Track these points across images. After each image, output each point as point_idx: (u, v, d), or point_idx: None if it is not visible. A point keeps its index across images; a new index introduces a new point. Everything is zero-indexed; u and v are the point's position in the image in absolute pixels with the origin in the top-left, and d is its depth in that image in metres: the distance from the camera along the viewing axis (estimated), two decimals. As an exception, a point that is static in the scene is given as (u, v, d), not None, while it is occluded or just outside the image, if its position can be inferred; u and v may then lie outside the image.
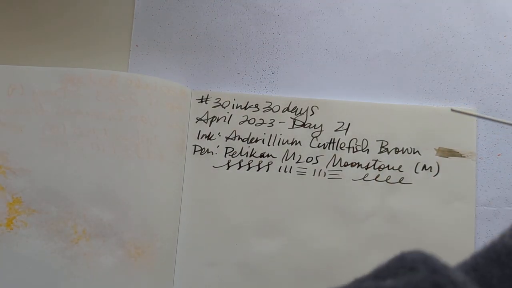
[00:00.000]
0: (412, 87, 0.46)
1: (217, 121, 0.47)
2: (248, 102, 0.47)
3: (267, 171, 0.46)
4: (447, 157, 0.45)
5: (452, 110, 0.37)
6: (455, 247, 0.44)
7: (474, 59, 0.46)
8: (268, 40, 0.47)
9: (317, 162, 0.46)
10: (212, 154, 0.46)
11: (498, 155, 0.45)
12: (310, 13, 0.48)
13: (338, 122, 0.46)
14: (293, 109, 0.46)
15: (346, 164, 0.45)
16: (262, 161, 0.46)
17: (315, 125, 0.46)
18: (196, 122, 0.47)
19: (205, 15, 0.48)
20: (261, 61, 0.47)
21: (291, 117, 0.46)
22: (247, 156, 0.46)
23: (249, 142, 0.46)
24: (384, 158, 0.45)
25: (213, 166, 0.46)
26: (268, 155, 0.46)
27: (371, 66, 0.47)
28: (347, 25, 0.47)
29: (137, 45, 0.47)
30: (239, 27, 0.48)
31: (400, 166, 0.45)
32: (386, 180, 0.45)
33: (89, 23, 0.48)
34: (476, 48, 0.46)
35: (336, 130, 0.46)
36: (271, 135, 0.46)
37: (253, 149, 0.46)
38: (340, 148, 0.46)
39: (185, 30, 0.48)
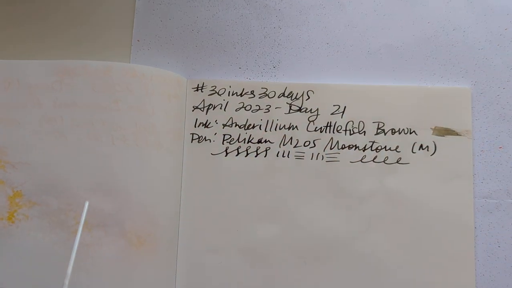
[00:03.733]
0: (413, 80, 0.46)
1: (213, 109, 0.47)
2: (243, 89, 0.47)
3: (265, 156, 0.46)
4: (443, 136, 0.45)
5: None
6: (455, 224, 0.44)
7: (475, 53, 0.46)
8: (269, 34, 0.48)
9: (315, 146, 0.46)
10: (210, 141, 0.46)
11: (500, 147, 0.45)
12: (311, 7, 0.48)
13: (334, 105, 0.46)
14: (288, 94, 0.47)
15: (343, 146, 0.46)
16: (259, 147, 0.46)
17: (311, 109, 0.46)
18: (193, 110, 0.47)
19: (206, 10, 0.48)
20: (262, 56, 0.47)
21: (287, 102, 0.46)
22: (244, 142, 0.46)
23: (246, 128, 0.47)
24: (381, 139, 0.45)
25: (211, 154, 0.46)
26: (265, 141, 0.46)
27: (372, 60, 0.47)
28: (348, 19, 0.47)
29: (138, 40, 0.48)
30: (240, 22, 0.48)
31: (397, 147, 0.45)
32: (384, 161, 0.45)
33: (90, 18, 0.48)
34: (477, 42, 0.46)
35: (332, 114, 0.46)
36: (267, 120, 0.46)
37: (250, 135, 0.46)
38: (337, 131, 0.46)
39: (186, 25, 0.48)
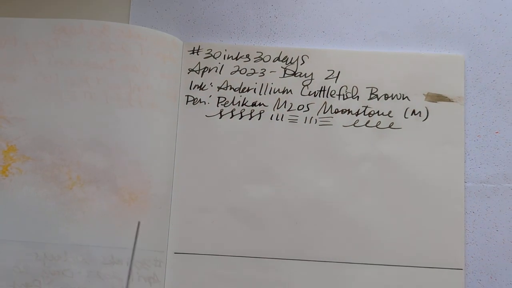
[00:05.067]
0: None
1: (209, 72, 0.47)
2: (239, 52, 0.47)
3: (259, 119, 0.46)
4: (435, 102, 0.46)
5: None
6: (445, 188, 0.44)
7: (470, 39, 0.47)
8: (265, 23, 0.48)
9: (308, 109, 0.46)
10: (205, 103, 0.47)
11: (496, 132, 0.45)
12: (306, -4, 0.48)
13: (328, 70, 0.46)
14: (283, 59, 0.47)
15: (336, 111, 0.46)
16: (254, 110, 0.46)
17: (305, 73, 0.47)
18: (188, 73, 0.47)
19: (201, 0, 0.48)
20: (259, 45, 0.48)
21: (281, 67, 0.47)
22: (239, 105, 0.47)
23: (240, 91, 0.47)
24: (374, 104, 0.46)
25: (206, 116, 0.46)
26: (260, 104, 0.47)
27: (368, 48, 0.47)
28: (343, 7, 0.48)
29: None
30: (236, 11, 0.48)
31: (390, 112, 0.46)
32: (376, 126, 0.46)
33: (85, 9, 0.48)
34: (472, 28, 0.47)
35: (326, 78, 0.46)
36: (262, 84, 0.47)
37: (245, 98, 0.47)
38: (331, 95, 0.46)
39: (182, 16, 0.48)
